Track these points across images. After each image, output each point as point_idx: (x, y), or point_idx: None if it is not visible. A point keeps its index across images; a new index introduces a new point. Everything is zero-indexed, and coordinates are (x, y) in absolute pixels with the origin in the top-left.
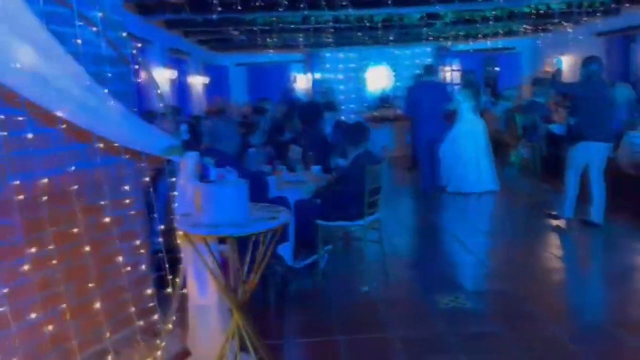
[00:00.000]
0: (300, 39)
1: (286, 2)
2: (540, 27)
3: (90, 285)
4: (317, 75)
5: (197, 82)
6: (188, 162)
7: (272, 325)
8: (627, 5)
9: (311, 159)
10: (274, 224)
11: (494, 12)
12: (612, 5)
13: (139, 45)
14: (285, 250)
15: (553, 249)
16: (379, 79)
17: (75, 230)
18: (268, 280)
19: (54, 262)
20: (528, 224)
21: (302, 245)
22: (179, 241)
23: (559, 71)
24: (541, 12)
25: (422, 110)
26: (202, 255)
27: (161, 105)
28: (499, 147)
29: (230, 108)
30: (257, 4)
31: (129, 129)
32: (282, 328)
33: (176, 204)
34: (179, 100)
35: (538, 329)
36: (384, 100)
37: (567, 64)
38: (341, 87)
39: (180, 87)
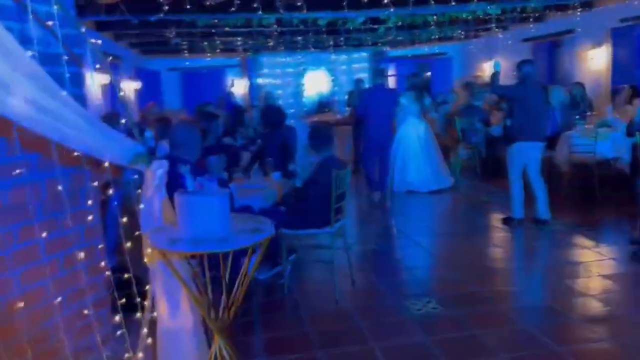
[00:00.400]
0: (239, 43)
1: (239, 2)
2: (472, 33)
3: (48, 309)
4: (255, 80)
5: (129, 87)
6: (156, 172)
7: (240, 343)
8: (553, 12)
9: (271, 165)
10: (260, 236)
11: (435, 17)
12: (538, 14)
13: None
14: (250, 262)
15: (508, 249)
16: (317, 83)
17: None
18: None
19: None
20: (480, 224)
21: (265, 256)
22: (146, 259)
23: (496, 74)
24: (480, 17)
25: (372, 113)
26: (180, 273)
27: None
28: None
29: (170, 115)
30: (208, 3)
31: (93, 135)
32: (253, 346)
33: (143, 219)
34: (111, 107)
35: (519, 330)
36: (322, 105)
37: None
38: (279, 91)
39: (113, 93)
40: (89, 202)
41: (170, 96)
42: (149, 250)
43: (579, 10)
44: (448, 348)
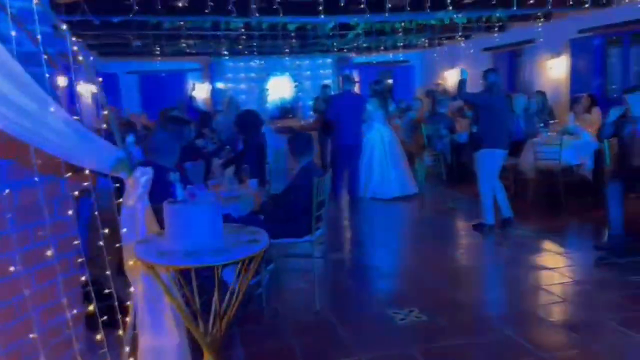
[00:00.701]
0: (203, 46)
1: (212, 4)
2: (435, 42)
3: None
4: (217, 85)
5: (86, 90)
6: (140, 179)
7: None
8: (514, 22)
9: (247, 171)
10: (258, 247)
11: (402, 24)
12: (502, 23)
13: None
14: (229, 274)
15: (481, 255)
16: (280, 89)
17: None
18: (207, 307)
19: None
20: (451, 231)
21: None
22: (127, 273)
23: (463, 81)
24: (445, 25)
25: (342, 119)
26: (168, 287)
27: (104, 112)
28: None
29: (133, 119)
30: (180, 4)
31: (75, 140)
32: None
33: (124, 229)
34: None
35: (503, 338)
36: (286, 111)
37: (457, 76)
38: (242, 96)
39: (70, 96)
40: (69, 212)
41: (129, 100)
42: (131, 262)
43: (540, 20)
44: (436, 358)
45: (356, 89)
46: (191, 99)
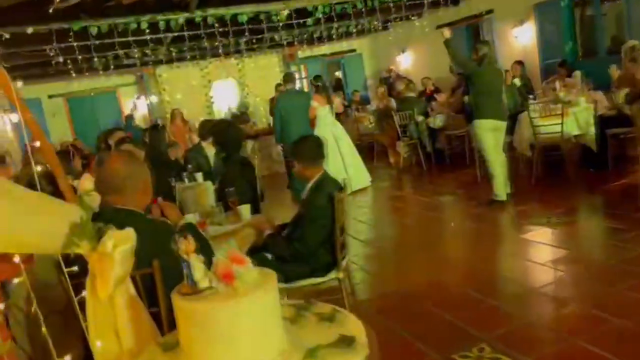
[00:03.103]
0: (136, 55)
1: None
2: (389, 24)
3: None
4: (154, 99)
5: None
6: (114, 251)
7: None
8: None
9: (233, 195)
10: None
11: (354, 7)
12: None
13: None
14: None
15: (521, 257)
16: (226, 94)
17: None
18: None
19: None
20: (455, 226)
21: None
22: None
23: (450, 40)
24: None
25: (291, 119)
26: None
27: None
28: (371, 149)
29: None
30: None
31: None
32: None
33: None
34: None
35: None
36: (237, 117)
37: (413, 57)
38: (184, 110)
39: None
40: None
41: (54, 127)
42: None
43: None
44: None
45: (306, 85)
46: (128, 118)
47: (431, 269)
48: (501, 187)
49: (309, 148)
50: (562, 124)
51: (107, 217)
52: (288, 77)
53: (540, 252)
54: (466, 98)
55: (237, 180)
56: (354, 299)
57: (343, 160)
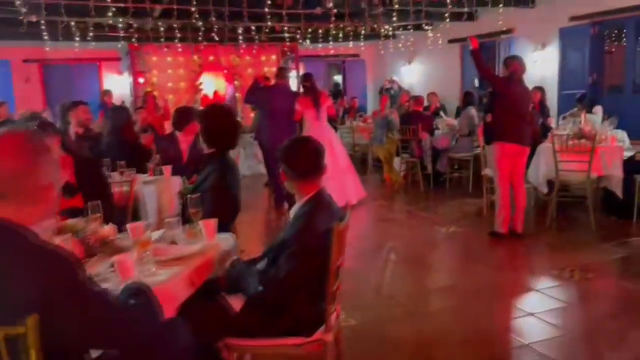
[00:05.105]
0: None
1: None
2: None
3: None
4: (139, 79)
5: None
6: None
7: None
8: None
9: (196, 204)
10: None
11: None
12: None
13: None
14: None
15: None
16: (216, 83)
17: None
18: None
19: None
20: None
21: None
22: None
23: (479, 51)
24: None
25: (271, 116)
26: None
27: None
28: (364, 162)
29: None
30: None
31: None
32: None
33: None
34: None
35: None
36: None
37: (419, 69)
38: (170, 96)
39: None
40: None
41: (26, 93)
42: None
43: (521, 5)
44: None
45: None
46: (105, 94)
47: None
48: (504, 221)
49: (304, 156)
50: (590, 162)
51: None
52: (280, 72)
53: (548, 318)
54: (488, 117)
55: (216, 187)
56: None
57: (332, 170)
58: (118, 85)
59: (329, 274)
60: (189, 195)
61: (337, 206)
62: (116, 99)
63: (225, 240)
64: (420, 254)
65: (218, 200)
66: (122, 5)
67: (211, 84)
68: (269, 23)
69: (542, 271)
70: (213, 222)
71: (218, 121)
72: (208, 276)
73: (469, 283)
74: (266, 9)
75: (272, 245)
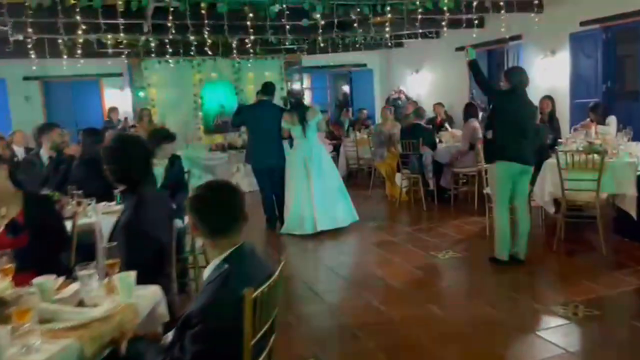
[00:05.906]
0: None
1: None
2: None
3: None
4: (140, 93)
5: None
6: None
7: None
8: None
9: (112, 253)
10: None
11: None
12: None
13: None
14: None
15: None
16: (218, 96)
17: None
18: None
19: None
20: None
21: None
22: None
23: (476, 62)
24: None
25: (257, 133)
26: None
27: None
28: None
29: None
30: None
31: None
32: None
33: None
34: None
35: None
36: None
37: (426, 78)
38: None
39: None
40: None
41: (26, 111)
42: None
43: (530, 11)
44: None
45: (307, 96)
46: (111, 110)
47: None
48: (504, 246)
49: (217, 210)
50: (599, 179)
51: None
52: (265, 88)
53: None
54: (489, 134)
55: (125, 227)
56: None
57: (310, 194)
58: (121, 101)
59: (244, 354)
60: (103, 246)
61: (263, 263)
62: (121, 116)
63: (146, 297)
64: (407, 286)
65: (132, 243)
66: (111, 21)
67: (213, 98)
68: (262, 35)
69: (541, 308)
70: (131, 274)
71: (118, 158)
72: (108, 348)
73: (453, 323)
74: (247, 22)
75: (186, 312)
